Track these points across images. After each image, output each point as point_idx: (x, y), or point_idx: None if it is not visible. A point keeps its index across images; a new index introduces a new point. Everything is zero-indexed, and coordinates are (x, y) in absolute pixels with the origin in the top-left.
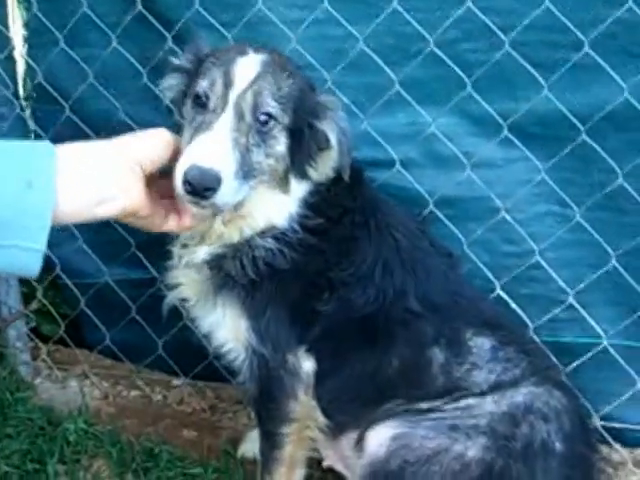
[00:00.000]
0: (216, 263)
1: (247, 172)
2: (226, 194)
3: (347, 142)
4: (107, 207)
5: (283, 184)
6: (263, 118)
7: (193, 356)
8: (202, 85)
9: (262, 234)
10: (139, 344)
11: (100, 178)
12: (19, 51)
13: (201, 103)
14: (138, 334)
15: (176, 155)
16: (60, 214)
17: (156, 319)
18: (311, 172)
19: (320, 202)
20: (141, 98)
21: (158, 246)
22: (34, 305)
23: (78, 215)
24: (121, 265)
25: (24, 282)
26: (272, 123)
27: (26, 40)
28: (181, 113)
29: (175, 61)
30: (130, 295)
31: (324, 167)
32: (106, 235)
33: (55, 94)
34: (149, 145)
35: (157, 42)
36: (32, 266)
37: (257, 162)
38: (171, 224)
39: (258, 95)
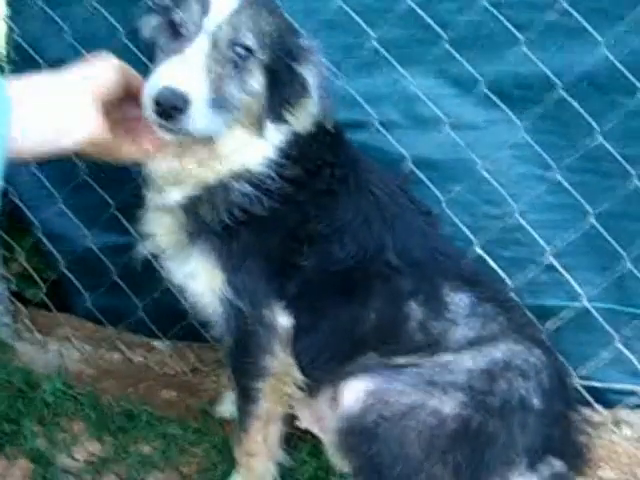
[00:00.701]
0: (191, 207)
1: (220, 103)
2: (196, 118)
3: (327, 89)
4: (67, 138)
5: (258, 126)
6: (240, 50)
7: (174, 318)
8: (177, 12)
9: (238, 177)
10: (120, 307)
11: (56, 109)
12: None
13: (175, 31)
14: (120, 297)
15: (131, 83)
16: (19, 148)
17: (137, 282)
18: (288, 117)
19: (299, 154)
20: (122, 58)
21: (139, 208)
22: (15, 268)
23: (39, 148)
24: (102, 229)
25: (5, 245)
26: (249, 57)
27: (7, 2)
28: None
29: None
30: (112, 259)
31: (303, 115)
32: (87, 199)
33: (35, 55)
34: (100, 71)
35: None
36: None
37: (231, 95)
38: (133, 149)
39: (236, 26)
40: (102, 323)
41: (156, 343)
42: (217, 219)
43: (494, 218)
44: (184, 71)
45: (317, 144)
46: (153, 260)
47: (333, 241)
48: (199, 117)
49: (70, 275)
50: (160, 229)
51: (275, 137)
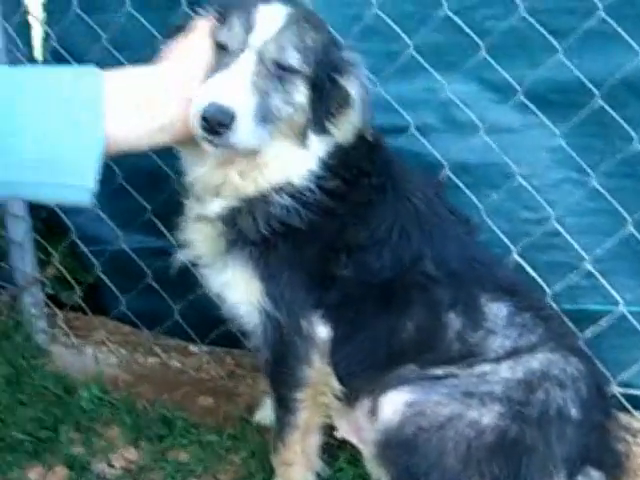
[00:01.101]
0: (230, 218)
1: (265, 117)
2: (242, 134)
3: (368, 100)
4: (163, 135)
5: (302, 138)
6: (284, 67)
7: (211, 322)
8: (224, 30)
9: (279, 190)
10: (157, 311)
11: (153, 106)
12: (35, 16)
13: (222, 47)
14: (155, 301)
15: None
16: (114, 145)
17: (173, 285)
18: (331, 129)
19: (338, 164)
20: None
21: (175, 213)
22: (50, 271)
23: (135, 144)
24: (138, 231)
25: (41, 248)
26: (293, 72)
27: (43, 5)
28: None
29: (198, 14)
30: (147, 262)
31: (344, 126)
32: (123, 202)
33: (70, 59)
34: (191, 66)
35: (173, 7)
36: (82, 201)
37: (276, 108)
38: None
39: (282, 43)
40: (138, 326)
41: (192, 347)
42: (255, 230)
43: (531, 223)
44: (230, 87)
45: (355, 154)
46: (190, 266)
47: (371, 251)
48: (245, 132)
49: (105, 278)
50: (199, 237)
51: (318, 149)
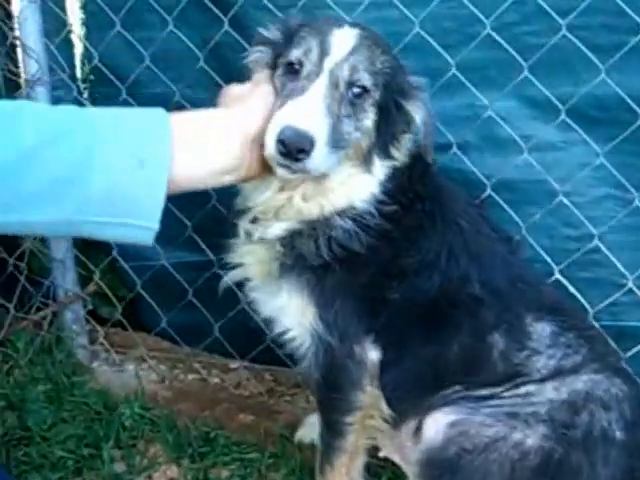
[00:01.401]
0: (290, 240)
1: (337, 142)
2: (317, 159)
3: (432, 125)
4: (226, 177)
5: (367, 162)
6: (357, 90)
7: (251, 339)
8: (296, 53)
9: (342, 214)
10: (197, 327)
11: (217, 149)
12: (77, 34)
13: (294, 70)
14: (195, 317)
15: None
16: (176, 185)
17: (214, 302)
18: (394, 153)
19: (396, 188)
20: (198, 81)
21: (215, 228)
22: (91, 288)
23: (198, 184)
24: (178, 248)
25: (81, 265)
26: (364, 96)
27: (84, 23)
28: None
29: (263, 32)
30: (187, 278)
31: (403, 150)
32: (163, 218)
33: (112, 77)
34: (254, 110)
35: (214, 25)
36: (145, 241)
37: (347, 133)
38: None
39: (354, 67)
40: (177, 342)
41: (232, 364)
42: (316, 254)
43: (573, 240)
44: (307, 111)
45: (411, 177)
46: (233, 285)
47: (421, 275)
48: (321, 158)
49: (145, 294)
50: (251, 260)
51: (380, 172)
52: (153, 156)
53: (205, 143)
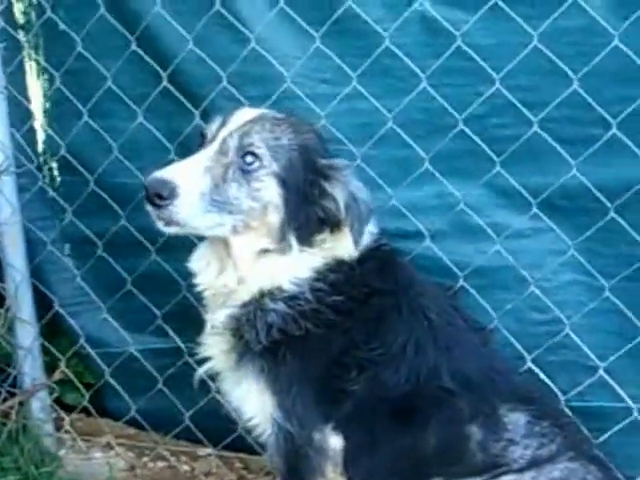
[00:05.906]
0: (235, 327)
1: (221, 203)
2: (185, 209)
3: (358, 207)
4: None
5: (281, 241)
6: (247, 158)
7: (220, 426)
8: (206, 127)
9: (270, 295)
10: (164, 413)
11: None
12: (39, 123)
13: (202, 142)
14: (163, 403)
15: None
16: None
17: (181, 387)
18: (321, 241)
19: (343, 280)
20: None
21: (183, 315)
22: (57, 375)
23: None
24: (145, 334)
25: (46, 352)
26: (256, 164)
27: (46, 112)
28: None
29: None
30: (155, 364)
31: (343, 241)
32: (130, 304)
33: (79, 166)
34: None
35: (184, 116)
36: None
37: (235, 198)
38: None
39: (245, 135)
40: (144, 428)
41: (200, 451)
42: (256, 340)
43: (542, 324)
44: (180, 167)
45: (364, 271)
46: (207, 378)
47: (385, 367)
48: (186, 207)
49: (112, 380)
50: (216, 351)
51: (307, 258)
52: None
53: None
